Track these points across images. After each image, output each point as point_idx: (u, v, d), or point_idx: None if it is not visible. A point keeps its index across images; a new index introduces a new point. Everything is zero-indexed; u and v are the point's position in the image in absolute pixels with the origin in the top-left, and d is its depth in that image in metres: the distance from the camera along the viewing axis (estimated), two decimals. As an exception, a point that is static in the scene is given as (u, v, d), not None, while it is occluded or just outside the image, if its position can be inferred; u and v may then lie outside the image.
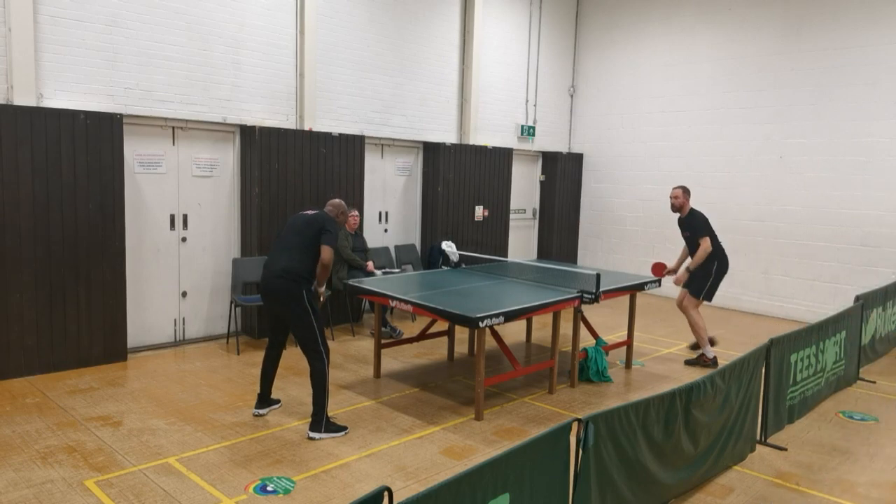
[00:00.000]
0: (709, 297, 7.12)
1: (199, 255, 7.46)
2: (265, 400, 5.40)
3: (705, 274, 7.05)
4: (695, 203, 6.82)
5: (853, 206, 9.02)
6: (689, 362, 7.19)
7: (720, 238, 7.19)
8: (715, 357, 7.10)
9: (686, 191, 7.14)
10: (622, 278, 6.99)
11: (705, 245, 6.91)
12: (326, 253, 4.96)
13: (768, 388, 4.96)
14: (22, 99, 5.98)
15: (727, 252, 7.23)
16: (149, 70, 6.82)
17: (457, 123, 10.11)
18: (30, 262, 5.97)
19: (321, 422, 4.92)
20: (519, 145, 11.14)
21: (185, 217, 7.30)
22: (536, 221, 11.93)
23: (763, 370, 4.84)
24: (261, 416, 5.32)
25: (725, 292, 10.25)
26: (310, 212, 5.25)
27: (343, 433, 4.98)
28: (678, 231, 7.36)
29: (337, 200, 5.45)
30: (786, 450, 4.95)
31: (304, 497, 4.03)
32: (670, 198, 7.15)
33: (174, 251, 7.26)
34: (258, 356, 6.43)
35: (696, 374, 5.79)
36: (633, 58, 11.20)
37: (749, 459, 4.75)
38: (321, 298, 5.27)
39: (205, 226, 7.48)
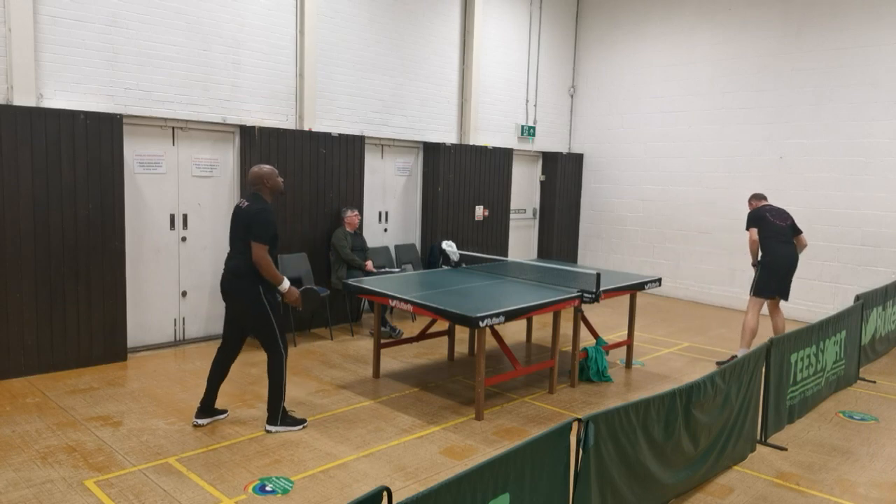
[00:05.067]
0: (764, 294, 6.90)
1: (199, 254, 7.45)
2: (208, 409, 5.06)
3: (759, 267, 7.00)
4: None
5: (853, 206, 9.02)
6: (720, 364, 7.10)
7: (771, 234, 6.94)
8: None
9: (753, 196, 7.27)
10: (622, 278, 6.99)
11: (749, 237, 6.99)
12: (254, 251, 4.60)
13: (768, 388, 4.96)
14: (22, 99, 5.98)
15: (776, 246, 6.88)
16: (149, 70, 6.82)
17: (457, 123, 10.10)
18: (30, 262, 5.97)
19: (277, 415, 4.94)
20: (519, 145, 11.14)
21: (185, 217, 7.29)
22: (536, 221, 11.92)
23: (763, 370, 4.84)
24: (200, 426, 4.98)
25: (725, 291, 10.28)
26: (243, 203, 4.83)
27: (301, 427, 5.00)
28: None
29: (256, 170, 4.81)
30: (786, 450, 4.95)
31: (302, 497, 4.03)
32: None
33: (174, 251, 7.26)
34: (258, 356, 6.43)
35: (696, 375, 5.80)
36: (634, 58, 11.19)
37: (749, 459, 4.75)
38: (296, 302, 4.84)
39: (205, 226, 7.47)
